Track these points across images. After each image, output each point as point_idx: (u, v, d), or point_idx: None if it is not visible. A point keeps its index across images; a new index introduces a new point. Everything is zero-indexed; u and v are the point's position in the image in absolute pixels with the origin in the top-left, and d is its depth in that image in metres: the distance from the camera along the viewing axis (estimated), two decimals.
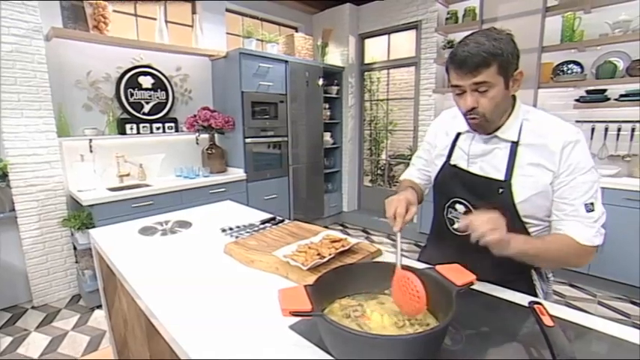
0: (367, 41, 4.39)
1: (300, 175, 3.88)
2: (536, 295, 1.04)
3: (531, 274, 1.06)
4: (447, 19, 3.47)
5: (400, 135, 4.86)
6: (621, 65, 2.68)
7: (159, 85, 3.11)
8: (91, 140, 2.74)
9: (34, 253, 2.50)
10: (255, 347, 0.73)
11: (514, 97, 1.00)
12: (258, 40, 3.73)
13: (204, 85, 3.51)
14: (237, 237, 1.37)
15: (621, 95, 2.64)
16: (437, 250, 1.18)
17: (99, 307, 2.46)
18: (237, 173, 3.32)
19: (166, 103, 3.18)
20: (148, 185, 2.85)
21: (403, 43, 4.11)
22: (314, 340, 0.73)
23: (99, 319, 2.37)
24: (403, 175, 1.34)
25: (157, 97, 3.12)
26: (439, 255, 1.12)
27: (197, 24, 3.29)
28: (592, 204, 0.90)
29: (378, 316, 0.74)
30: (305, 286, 0.71)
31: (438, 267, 0.80)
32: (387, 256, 1.19)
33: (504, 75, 0.88)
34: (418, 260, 1.23)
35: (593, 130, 2.88)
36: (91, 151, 2.77)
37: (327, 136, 4.33)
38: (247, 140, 3.32)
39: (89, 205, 2.40)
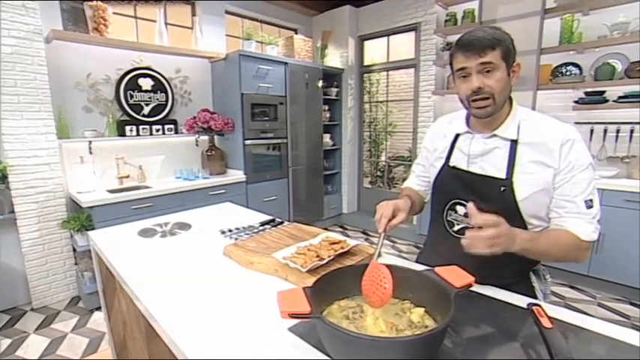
0: (366, 43, 4.41)
1: (299, 177, 3.88)
2: (535, 297, 1.04)
3: (530, 276, 1.06)
4: (446, 21, 3.48)
5: (400, 137, 4.86)
6: (620, 67, 2.69)
7: (158, 86, 3.12)
8: (90, 142, 2.74)
9: (34, 255, 2.50)
10: (254, 349, 0.73)
11: (510, 99, 1.02)
12: (257, 42, 3.74)
13: (204, 86, 3.52)
14: (236, 239, 1.37)
15: (620, 97, 2.65)
16: (436, 252, 1.18)
17: (98, 309, 2.46)
18: (236, 175, 3.32)
19: (166, 104, 3.18)
20: (147, 187, 2.85)
21: (402, 45, 4.12)
22: (313, 342, 0.73)
23: (98, 321, 2.37)
24: (404, 183, 1.35)
25: (157, 99, 3.12)
26: (438, 257, 1.12)
27: (197, 26, 3.30)
28: (591, 200, 0.93)
29: (373, 318, 0.74)
30: (304, 288, 0.71)
31: (436, 269, 0.80)
32: (387, 258, 1.19)
33: (506, 61, 0.92)
34: (417, 262, 1.23)
35: (592, 131, 2.88)
36: (91, 153, 2.77)
37: (327, 138, 4.34)
38: (247, 142, 3.33)
39: (89, 207, 2.40)
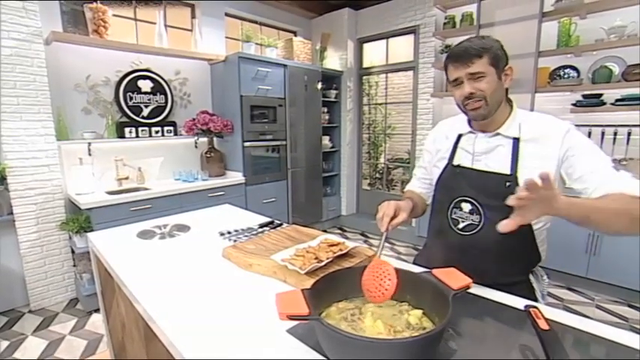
0: (365, 45, 4.42)
1: (298, 179, 3.89)
2: (535, 297, 1.06)
3: (529, 276, 1.08)
4: (444, 23, 3.50)
5: (398, 139, 4.88)
6: (617, 70, 2.71)
7: (158, 88, 3.12)
8: (89, 144, 2.74)
9: (32, 257, 2.49)
10: (252, 351, 0.73)
11: (510, 102, 1.07)
12: (257, 44, 3.75)
13: (203, 88, 3.53)
14: (235, 241, 1.38)
15: (617, 100, 2.66)
16: (438, 251, 1.19)
17: (96, 310, 2.46)
18: (235, 177, 3.32)
19: (165, 106, 3.19)
20: (146, 189, 2.85)
21: (401, 48, 4.13)
22: (311, 343, 0.73)
23: (96, 323, 2.36)
24: (407, 186, 1.37)
25: (156, 101, 3.12)
26: (440, 256, 1.14)
27: (196, 28, 3.31)
28: (614, 166, 0.92)
29: (371, 319, 0.74)
30: (302, 290, 0.72)
31: (434, 271, 0.81)
32: (385, 260, 1.19)
33: (495, 67, 0.98)
34: (414, 263, 1.24)
35: (589, 134, 2.89)
36: (90, 155, 2.77)
37: (326, 140, 4.35)
38: (246, 144, 3.33)
39: (87, 209, 2.40)
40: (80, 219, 2.45)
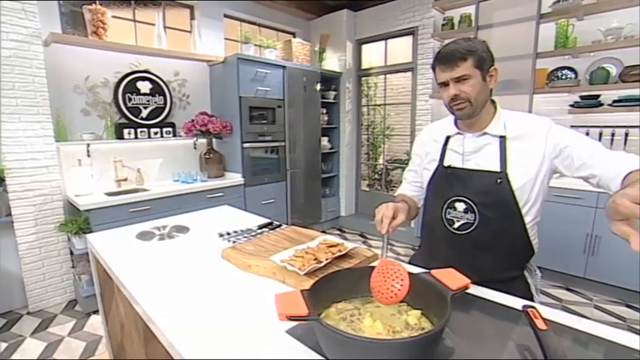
0: (364, 47, 4.43)
1: (297, 180, 3.89)
2: (530, 291, 1.10)
3: (524, 271, 1.12)
4: (443, 25, 3.51)
5: (397, 140, 4.89)
6: (614, 71, 2.72)
7: (157, 90, 3.13)
8: (88, 145, 2.74)
9: (30, 259, 2.49)
10: (252, 351, 0.74)
11: (494, 102, 1.11)
12: (255, 45, 3.76)
13: (202, 90, 3.53)
14: (234, 242, 1.38)
15: (614, 101, 2.68)
16: (434, 251, 1.20)
17: (95, 312, 2.45)
18: (234, 178, 3.32)
19: (164, 107, 3.19)
20: (145, 190, 2.85)
21: (400, 49, 4.14)
22: (310, 344, 0.74)
23: (95, 324, 2.36)
24: (397, 190, 1.39)
25: (155, 102, 3.13)
26: (436, 256, 1.15)
27: (195, 29, 3.31)
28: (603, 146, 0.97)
29: (370, 320, 0.74)
30: (301, 290, 0.72)
31: (433, 271, 0.81)
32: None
33: (480, 69, 1.01)
34: (409, 263, 1.25)
35: (587, 134, 2.87)
36: (89, 156, 2.77)
37: (325, 141, 4.35)
38: (245, 145, 3.33)
39: (86, 210, 2.40)
40: (79, 220, 2.45)
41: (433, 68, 1.08)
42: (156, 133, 3.09)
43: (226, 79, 3.34)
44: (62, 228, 2.52)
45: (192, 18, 3.46)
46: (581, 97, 2.84)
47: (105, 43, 2.69)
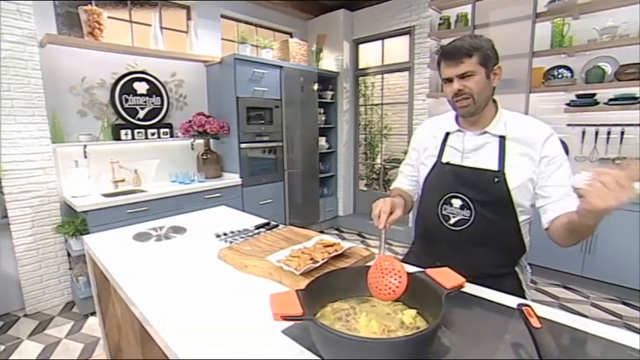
0: (361, 46, 4.44)
1: (295, 180, 3.89)
2: (522, 287, 1.12)
3: (515, 267, 1.14)
4: (439, 24, 3.52)
5: (395, 139, 4.89)
6: (609, 70, 2.74)
7: (154, 90, 3.12)
8: (85, 146, 2.74)
9: (27, 260, 2.48)
10: (248, 351, 0.74)
11: (495, 102, 1.12)
12: (252, 45, 3.75)
13: (199, 90, 3.52)
14: (231, 242, 1.38)
15: (610, 99, 2.69)
16: (428, 247, 1.21)
17: (93, 313, 2.45)
18: (232, 178, 3.32)
19: (161, 108, 3.18)
20: (143, 191, 2.85)
21: (397, 49, 4.15)
22: (306, 344, 0.74)
23: (93, 326, 2.35)
24: (393, 184, 1.39)
25: (152, 103, 3.12)
26: (431, 252, 1.17)
27: (192, 30, 3.30)
28: (572, 186, 0.99)
29: (366, 319, 0.75)
30: (296, 290, 0.72)
31: (428, 270, 0.81)
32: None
33: (485, 66, 1.02)
34: (403, 261, 1.25)
35: (583, 133, 2.92)
36: (86, 157, 2.76)
37: (323, 141, 4.35)
38: (242, 145, 3.33)
39: (83, 211, 2.40)
40: (76, 222, 2.44)
41: (438, 64, 1.08)
42: (153, 134, 3.09)
43: (223, 79, 3.33)
44: (59, 229, 2.52)
45: (188, 18, 3.45)
46: (577, 96, 2.85)
47: (101, 44, 2.68)
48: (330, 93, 4.34)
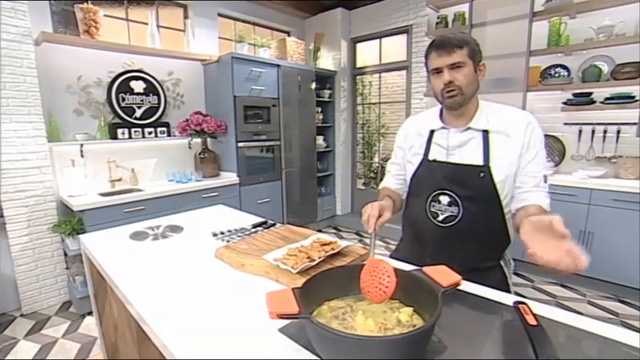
0: (359, 45, 4.43)
1: (293, 179, 3.89)
2: (507, 281, 1.16)
3: (500, 261, 1.18)
4: (437, 23, 3.52)
5: (392, 138, 4.84)
6: (606, 69, 2.75)
7: (151, 89, 3.11)
8: (82, 145, 2.72)
9: (23, 260, 2.46)
10: (244, 350, 0.73)
11: (476, 97, 1.14)
12: (250, 44, 3.75)
13: (197, 89, 3.51)
14: (228, 241, 1.37)
15: (606, 98, 2.70)
16: (417, 243, 1.23)
17: (90, 313, 2.43)
18: (229, 177, 3.31)
19: (158, 107, 3.17)
20: (140, 190, 2.83)
21: (394, 47, 4.15)
22: (302, 342, 0.74)
23: (90, 325, 2.35)
24: (381, 183, 1.42)
25: (149, 102, 3.11)
26: (420, 248, 1.19)
27: (189, 28, 3.29)
28: (545, 176, 1.08)
29: (362, 318, 0.75)
30: (293, 288, 0.72)
31: (424, 268, 0.81)
32: (380, 259, 1.20)
33: (473, 60, 1.06)
34: (392, 257, 1.27)
35: (580, 132, 2.93)
36: (82, 156, 2.75)
37: (320, 140, 4.35)
38: (240, 144, 3.33)
39: (80, 211, 2.38)
40: (73, 221, 2.43)
41: (426, 56, 1.10)
42: (150, 133, 3.08)
43: (220, 78, 3.32)
44: (56, 229, 2.50)
45: (185, 17, 3.44)
46: (574, 95, 2.86)
47: (97, 43, 2.67)
48: (327, 92, 4.34)
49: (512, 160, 1.06)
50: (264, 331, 0.79)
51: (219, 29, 3.71)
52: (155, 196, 2.73)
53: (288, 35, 4.42)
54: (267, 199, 3.61)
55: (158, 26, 3.17)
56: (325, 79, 4.33)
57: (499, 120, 1.09)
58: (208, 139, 3.40)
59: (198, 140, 3.36)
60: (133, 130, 2.96)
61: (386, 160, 4.92)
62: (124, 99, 2.95)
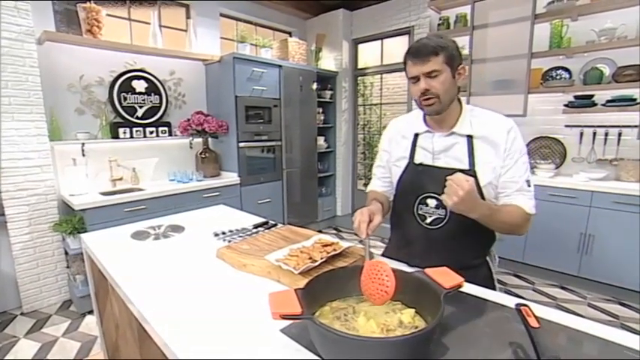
0: (360, 46, 4.44)
1: (293, 179, 3.89)
2: (492, 277, 1.19)
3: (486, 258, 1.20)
4: (438, 25, 3.52)
5: None
6: (607, 71, 2.75)
7: (152, 89, 3.11)
8: (83, 144, 2.72)
9: (24, 259, 2.47)
10: (246, 350, 0.74)
11: (459, 101, 1.15)
12: (252, 44, 3.75)
13: (198, 89, 3.52)
14: (229, 241, 1.38)
15: (608, 101, 2.70)
16: (405, 245, 1.23)
17: (90, 312, 2.44)
18: (230, 177, 3.32)
19: (160, 107, 3.17)
20: (141, 189, 2.84)
21: (396, 49, 4.15)
22: (304, 343, 0.74)
23: (90, 324, 2.35)
24: (368, 187, 1.41)
25: (151, 101, 3.11)
26: (408, 250, 1.21)
27: (191, 28, 3.30)
28: (529, 180, 1.09)
29: (364, 319, 0.75)
30: (295, 289, 0.72)
31: (426, 270, 0.82)
32: (377, 259, 1.20)
33: (450, 65, 1.04)
34: (383, 255, 1.28)
35: (581, 134, 2.93)
36: (84, 155, 2.75)
37: (321, 141, 4.35)
38: (241, 144, 3.33)
39: (81, 210, 2.39)
40: (74, 220, 2.43)
41: (404, 63, 1.10)
42: (151, 133, 3.08)
43: (222, 78, 3.33)
44: (56, 228, 2.51)
45: (187, 17, 3.44)
46: (576, 97, 2.86)
47: (99, 42, 2.67)
48: (328, 92, 4.34)
49: (495, 166, 1.08)
50: (266, 332, 0.79)
51: (221, 29, 3.71)
52: (156, 196, 2.73)
53: (290, 36, 4.42)
54: (268, 200, 3.61)
55: (160, 26, 3.18)
56: (327, 79, 4.33)
57: (482, 127, 1.10)
58: (209, 139, 3.40)
59: (200, 140, 3.37)
60: (134, 129, 2.96)
61: None
62: (125, 98, 2.95)
